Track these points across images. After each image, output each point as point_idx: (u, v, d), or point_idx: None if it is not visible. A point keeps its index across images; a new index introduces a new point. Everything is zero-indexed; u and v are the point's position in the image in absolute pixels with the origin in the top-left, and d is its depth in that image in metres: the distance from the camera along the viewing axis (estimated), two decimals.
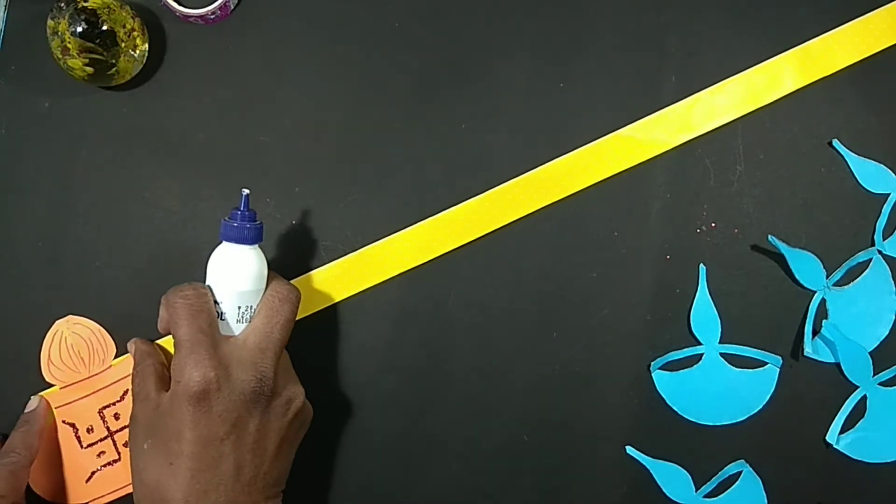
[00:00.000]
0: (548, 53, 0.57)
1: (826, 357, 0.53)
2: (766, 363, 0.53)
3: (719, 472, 0.53)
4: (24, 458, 0.51)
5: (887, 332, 0.53)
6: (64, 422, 0.54)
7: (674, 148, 0.55)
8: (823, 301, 0.54)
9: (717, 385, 0.53)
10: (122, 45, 0.54)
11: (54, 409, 0.54)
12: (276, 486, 0.48)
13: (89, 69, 0.53)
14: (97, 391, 0.55)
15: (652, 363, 0.54)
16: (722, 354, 0.54)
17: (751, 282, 0.54)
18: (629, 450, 0.53)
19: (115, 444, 0.54)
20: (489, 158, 0.56)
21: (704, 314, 0.54)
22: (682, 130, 0.55)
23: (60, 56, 0.53)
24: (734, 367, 0.54)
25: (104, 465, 0.54)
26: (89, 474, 0.54)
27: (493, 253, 0.55)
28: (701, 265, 0.54)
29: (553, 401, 0.54)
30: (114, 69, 0.54)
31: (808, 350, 0.53)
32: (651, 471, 0.53)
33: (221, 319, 0.48)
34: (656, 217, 0.55)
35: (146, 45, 0.56)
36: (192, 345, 0.46)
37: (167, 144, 0.57)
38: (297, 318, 0.55)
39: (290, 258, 0.56)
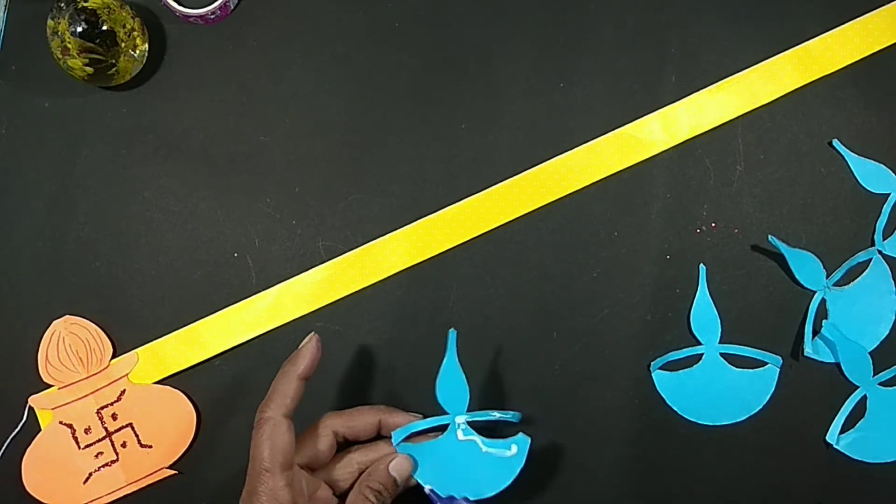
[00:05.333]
0: (548, 53, 0.57)
1: (826, 357, 0.53)
2: (766, 363, 0.53)
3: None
4: (279, 415, 0.44)
5: (887, 332, 0.53)
6: (61, 423, 0.54)
7: (674, 148, 0.55)
8: (823, 301, 0.54)
9: (717, 385, 0.53)
10: (122, 45, 0.54)
11: (52, 410, 0.54)
12: None
13: (89, 69, 0.53)
14: (95, 391, 0.54)
15: (652, 363, 0.54)
16: (722, 354, 0.54)
17: (751, 282, 0.54)
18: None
19: (112, 445, 0.54)
20: (489, 158, 0.56)
21: (704, 314, 0.54)
22: (682, 130, 0.55)
23: (60, 56, 0.53)
24: (734, 367, 0.53)
25: (102, 466, 0.54)
26: (87, 475, 0.54)
27: (493, 252, 0.55)
28: (701, 265, 0.54)
29: (553, 401, 0.54)
30: (114, 69, 0.54)
31: (808, 350, 0.53)
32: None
33: None
34: (656, 217, 0.55)
35: (146, 45, 0.56)
36: None
37: (167, 144, 0.57)
38: (296, 317, 0.55)
39: (290, 257, 0.56)
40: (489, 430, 0.50)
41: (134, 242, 0.56)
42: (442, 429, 0.49)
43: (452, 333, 0.47)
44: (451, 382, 0.48)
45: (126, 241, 0.56)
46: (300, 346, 0.47)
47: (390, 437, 0.48)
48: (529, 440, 0.47)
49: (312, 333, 0.47)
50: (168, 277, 0.56)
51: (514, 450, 0.47)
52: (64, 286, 0.56)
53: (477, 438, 0.47)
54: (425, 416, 0.49)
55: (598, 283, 0.55)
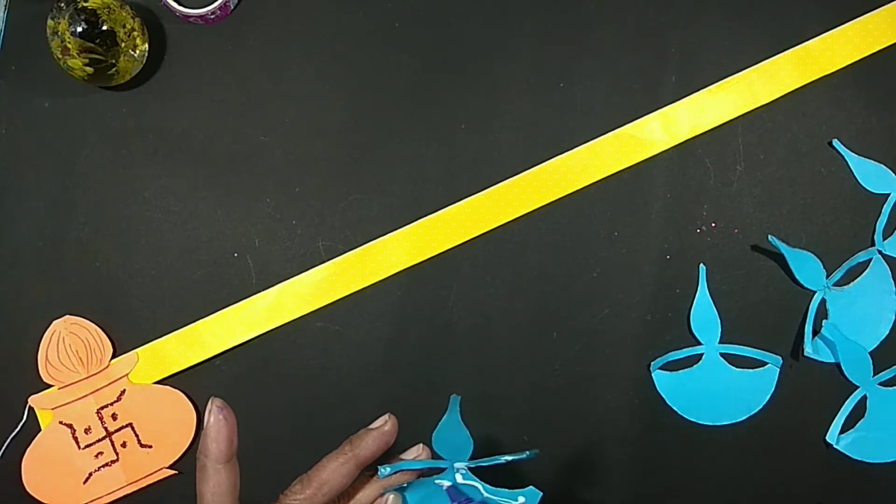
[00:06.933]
0: (548, 53, 0.57)
1: (826, 357, 0.53)
2: (766, 363, 0.53)
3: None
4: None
5: (887, 332, 0.53)
6: (61, 423, 0.54)
7: (674, 148, 0.55)
8: (823, 301, 0.54)
9: (717, 385, 0.53)
10: (122, 45, 0.54)
11: (52, 410, 0.54)
12: None
13: (89, 69, 0.53)
14: (95, 391, 0.54)
15: (652, 363, 0.54)
16: (722, 354, 0.54)
17: (751, 282, 0.54)
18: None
19: (112, 445, 0.54)
20: (489, 158, 0.56)
21: (704, 314, 0.54)
22: (683, 130, 0.55)
23: (60, 56, 0.53)
24: (734, 367, 0.53)
25: (102, 466, 0.54)
26: (87, 475, 0.54)
27: (494, 252, 0.55)
28: (701, 265, 0.54)
29: (553, 401, 0.54)
30: (114, 69, 0.54)
31: (808, 350, 0.53)
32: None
33: None
34: (656, 217, 0.55)
35: (146, 45, 0.56)
36: None
37: (167, 144, 0.57)
38: (296, 317, 0.55)
39: (290, 257, 0.56)
40: (498, 473, 0.44)
41: (134, 242, 0.56)
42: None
43: (455, 399, 0.42)
44: (452, 436, 0.43)
45: (126, 241, 0.56)
46: (205, 422, 0.37)
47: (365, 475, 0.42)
48: (541, 495, 0.41)
49: (212, 400, 0.37)
50: (168, 277, 0.56)
51: (521, 501, 0.42)
52: (64, 286, 0.56)
53: (478, 484, 0.43)
54: (418, 448, 0.42)
55: (598, 283, 0.55)
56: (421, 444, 0.42)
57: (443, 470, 0.42)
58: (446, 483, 0.41)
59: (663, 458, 0.53)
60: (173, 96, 0.58)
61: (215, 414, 0.37)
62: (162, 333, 0.55)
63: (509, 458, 0.41)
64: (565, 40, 0.57)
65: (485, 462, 0.42)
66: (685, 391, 0.53)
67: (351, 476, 0.40)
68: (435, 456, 0.42)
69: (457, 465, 0.42)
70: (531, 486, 0.41)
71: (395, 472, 0.41)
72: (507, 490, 0.41)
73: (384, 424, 0.41)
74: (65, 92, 0.58)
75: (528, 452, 0.42)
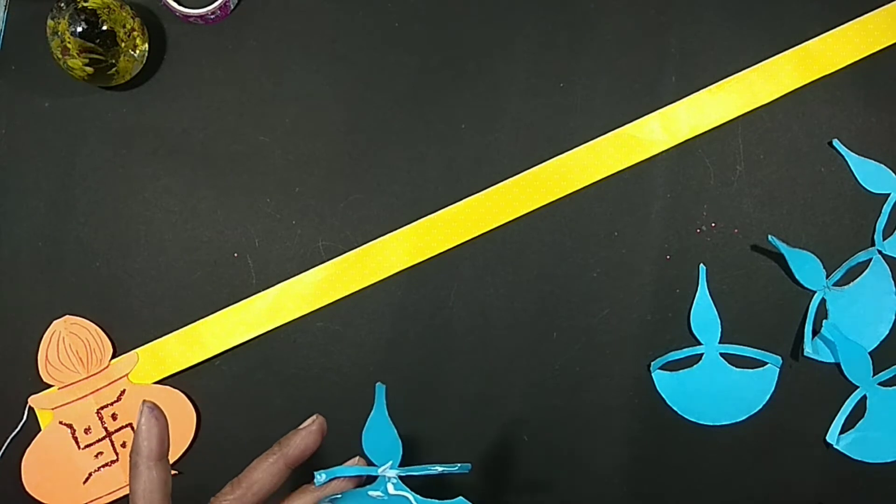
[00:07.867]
0: (548, 53, 0.57)
1: (826, 357, 0.53)
2: (766, 363, 0.53)
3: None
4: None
5: (887, 332, 0.53)
6: (61, 423, 0.54)
7: (674, 148, 0.55)
8: (823, 301, 0.54)
9: (717, 385, 0.53)
10: (122, 45, 0.54)
11: (52, 410, 0.54)
12: None
13: (89, 69, 0.53)
14: (95, 391, 0.54)
15: (652, 363, 0.54)
16: (722, 354, 0.54)
17: (751, 282, 0.54)
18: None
19: (112, 445, 0.54)
20: (489, 158, 0.56)
21: (704, 314, 0.54)
22: (682, 130, 0.55)
23: (60, 56, 0.53)
24: (734, 367, 0.53)
25: (102, 466, 0.54)
26: (87, 475, 0.54)
27: (493, 252, 0.55)
28: (701, 265, 0.54)
29: (553, 401, 0.54)
30: (114, 69, 0.54)
31: (808, 350, 0.53)
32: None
33: None
34: (656, 217, 0.55)
35: (146, 45, 0.56)
36: None
37: (167, 144, 0.57)
38: (296, 317, 0.55)
39: (290, 257, 0.56)
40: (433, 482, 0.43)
41: (134, 242, 0.56)
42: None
43: (380, 388, 0.42)
44: (380, 436, 0.42)
45: (126, 241, 0.56)
46: (137, 422, 0.37)
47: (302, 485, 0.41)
48: None
49: (143, 402, 0.37)
50: (168, 277, 0.56)
51: None
52: (64, 286, 0.56)
53: (409, 495, 0.42)
54: (354, 460, 0.42)
55: (598, 283, 0.55)
56: (358, 457, 0.42)
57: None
58: (378, 493, 0.41)
59: (663, 458, 0.53)
60: (173, 96, 0.58)
61: (146, 414, 0.37)
62: (162, 333, 0.55)
63: (441, 468, 0.41)
64: (565, 40, 0.57)
65: (415, 471, 0.41)
66: (685, 391, 0.53)
67: (280, 475, 0.40)
68: (369, 464, 0.42)
69: (388, 473, 0.42)
70: (460, 497, 0.41)
71: (331, 480, 0.41)
72: (437, 501, 0.40)
73: (311, 424, 0.41)
74: (65, 92, 0.58)
75: (459, 465, 0.41)
